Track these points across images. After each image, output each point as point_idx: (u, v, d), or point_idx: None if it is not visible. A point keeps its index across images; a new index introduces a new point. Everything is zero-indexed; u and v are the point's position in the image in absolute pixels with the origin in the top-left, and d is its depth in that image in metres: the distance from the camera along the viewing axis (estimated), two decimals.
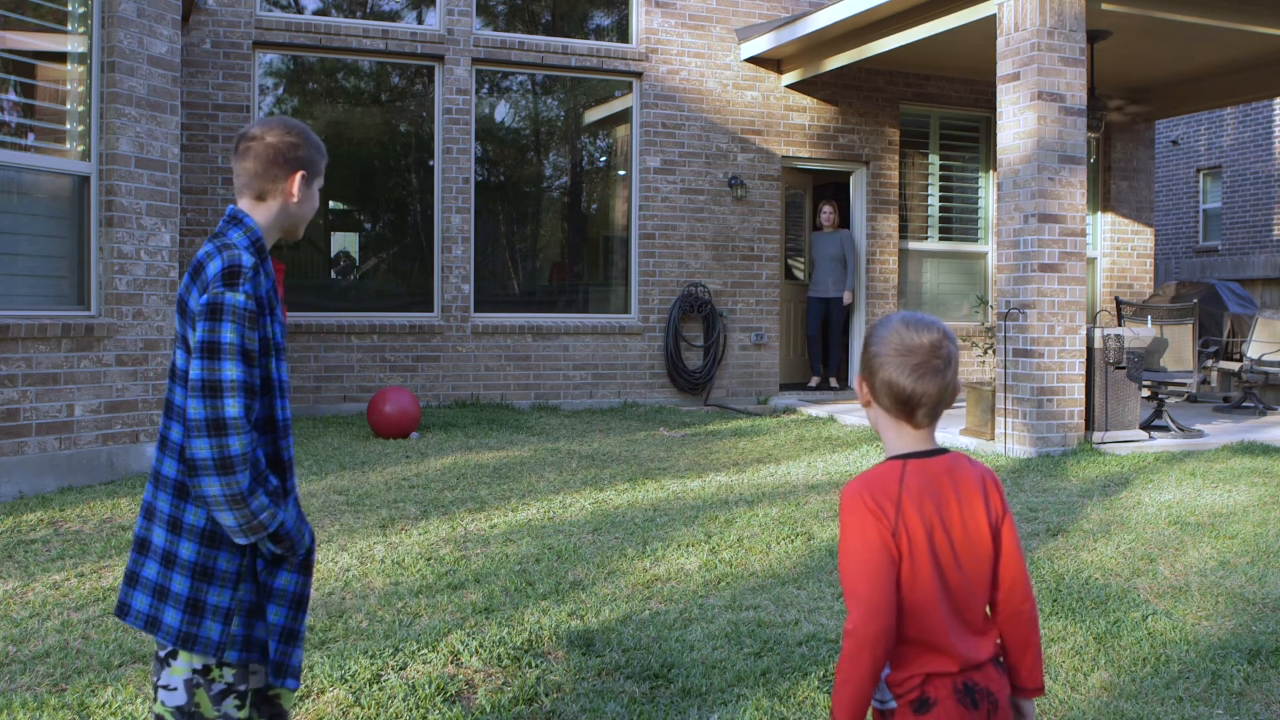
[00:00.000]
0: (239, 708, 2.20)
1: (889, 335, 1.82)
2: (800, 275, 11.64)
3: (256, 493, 2.12)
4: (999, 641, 1.87)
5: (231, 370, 2.09)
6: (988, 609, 1.86)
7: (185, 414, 2.09)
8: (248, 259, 2.16)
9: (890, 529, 1.72)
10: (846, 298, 10.86)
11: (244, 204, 2.28)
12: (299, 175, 2.27)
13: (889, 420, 1.84)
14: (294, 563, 2.24)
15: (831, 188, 12.51)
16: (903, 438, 1.83)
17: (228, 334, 2.09)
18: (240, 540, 2.15)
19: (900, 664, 1.78)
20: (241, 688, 2.19)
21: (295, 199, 2.27)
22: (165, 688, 2.19)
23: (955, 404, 9.83)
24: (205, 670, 2.17)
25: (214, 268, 2.13)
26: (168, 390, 2.22)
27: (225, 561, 2.17)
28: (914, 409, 1.80)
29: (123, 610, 2.21)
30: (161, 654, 2.20)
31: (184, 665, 2.17)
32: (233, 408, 2.08)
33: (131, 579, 2.21)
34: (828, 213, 11.08)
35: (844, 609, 3.79)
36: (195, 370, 2.08)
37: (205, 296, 2.11)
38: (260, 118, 2.11)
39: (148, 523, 2.21)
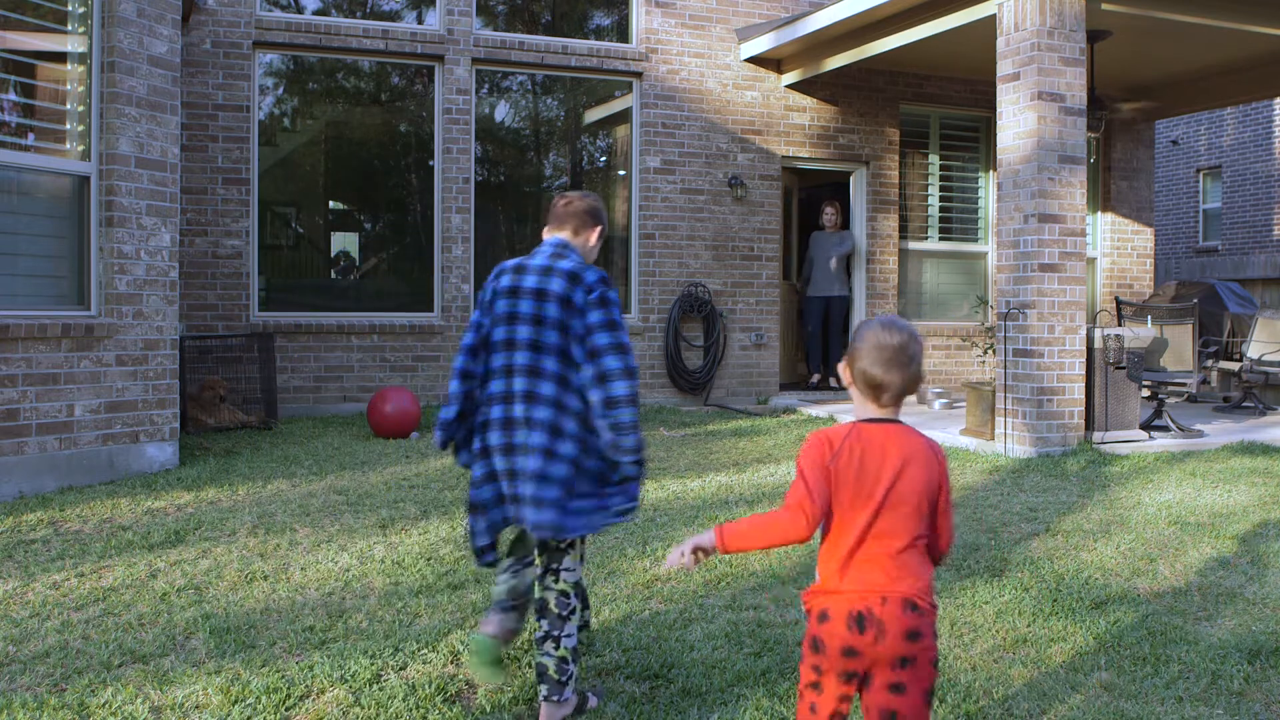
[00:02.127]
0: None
1: (868, 334, 2.34)
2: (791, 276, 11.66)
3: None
4: (928, 585, 2.29)
5: (626, 336, 3.10)
6: (925, 556, 2.33)
7: (605, 368, 3.03)
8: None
9: (830, 457, 2.29)
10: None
11: (563, 235, 3.30)
12: (599, 229, 3.36)
13: (860, 398, 2.37)
14: (635, 468, 3.11)
15: (831, 188, 12.53)
16: (865, 410, 2.37)
17: (617, 314, 3.10)
18: (632, 455, 3.06)
19: (817, 586, 2.33)
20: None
21: (593, 244, 3.35)
22: (567, 570, 3.13)
23: (956, 404, 9.81)
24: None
25: (591, 275, 3.13)
26: (530, 360, 3.09)
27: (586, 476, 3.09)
28: (881, 392, 2.33)
29: (540, 529, 3.02)
30: (563, 545, 3.12)
31: (576, 550, 3.15)
32: (633, 360, 3.08)
33: (539, 503, 3.02)
34: (830, 213, 11.13)
35: None
36: (606, 338, 3.05)
37: (595, 293, 3.09)
38: (581, 192, 3.46)
39: (521, 445, 3.07)
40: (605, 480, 3.10)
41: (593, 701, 3.15)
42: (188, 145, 8.95)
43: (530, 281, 3.16)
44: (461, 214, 9.78)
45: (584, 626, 3.40)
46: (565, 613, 3.09)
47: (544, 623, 3.09)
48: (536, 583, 3.17)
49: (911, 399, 10.27)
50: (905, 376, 2.31)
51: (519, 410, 3.08)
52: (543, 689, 3.05)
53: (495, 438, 3.12)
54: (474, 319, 3.25)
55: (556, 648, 3.06)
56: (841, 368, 2.40)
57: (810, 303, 11.08)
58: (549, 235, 3.32)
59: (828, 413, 9.65)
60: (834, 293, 10.98)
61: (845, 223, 11.44)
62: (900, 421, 2.37)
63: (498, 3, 10.36)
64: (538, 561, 3.18)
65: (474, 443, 3.20)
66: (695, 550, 2.34)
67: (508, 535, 3.33)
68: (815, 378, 11.14)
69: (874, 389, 2.32)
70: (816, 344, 11.12)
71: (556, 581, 3.12)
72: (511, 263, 3.26)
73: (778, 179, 10.87)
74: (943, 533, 2.38)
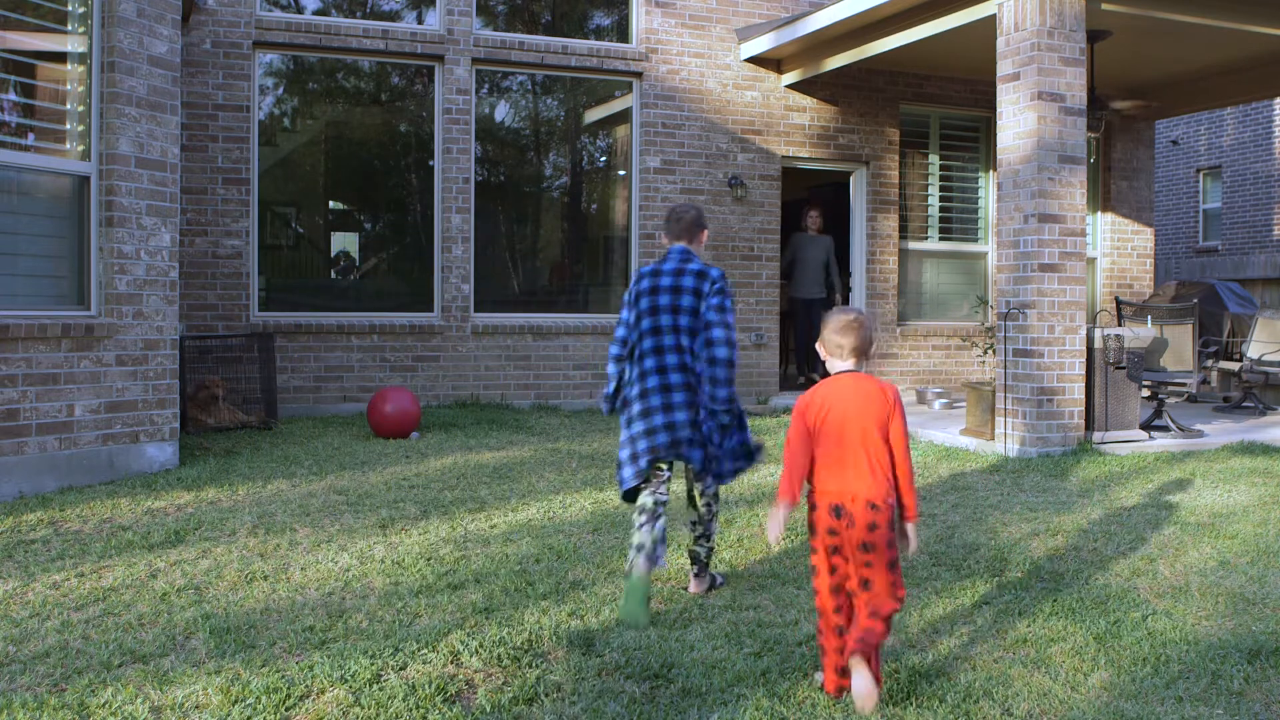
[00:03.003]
0: None
1: (831, 317, 3.41)
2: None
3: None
4: (886, 489, 3.22)
5: (733, 319, 4.18)
6: (888, 467, 3.26)
7: (712, 336, 4.10)
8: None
9: (802, 410, 3.32)
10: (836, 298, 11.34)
11: (682, 243, 4.34)
12: (705, 231, 4.45)
13: (830, 358, 3.39)
14: (727, 416, 4.20)
15: (830, 188, 12.55)
16: (834, 366, 3.37)
17: (729, 303, 4.17)
18: (723, 405, 4.14)
19: (812, 488, 3.32)
20: None
21: (703, 244, 4.46)
22: (709, 487, 4.25)
23: (956, 404, 9.82)
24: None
25: (715, 272, 4.20)
26: (674, 340, 4.16)
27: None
28: (841, 350, 3.35)
29: (690, 459, 4.14)
30: (698, 470, 4.19)
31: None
32: (734, 335, 4.17)
33: (693, 444, 4.13)
34: (814, 217, 11.41)
35: None
36: (716, 316, 4.12)
37: (716, 285, 4.16)
38: (685, 205, 4.61)
39: (679, 404, 4.13)
40: (728, 428, 4.22)
41: (720, 580, 4.38)
42: (188, 145, 8.95)
43: (667, 280, 4.22)
44: (461, 214, 9.78)
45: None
46: (711, 516, 4.29)
47: (699, 525, 4.28)
48: (693, 499, 4.31)
49: (911, 398, 10.29)
50: (855, 340, 3.34)
51: (672, 378, 4.15)
52: (694, 569, 4.32)
53: (655, 400, 4.15)
54: (622, 316, 4.32)
55: (707, 540, 4.28)
56: (818, 345, 3.41)
57: (798, 304, 11.29)
58: (672, 244, 4.38)
59: None
60: (818, 295, 11.29)
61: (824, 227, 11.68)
62: (859, 371, 3.38)
63: (498, 3, 10.36)
64: (696, 491, 4.29)
65: (633, 406, 4.20)
66: (783, 521, 3.33)
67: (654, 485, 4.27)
68: (804, 379, 11.24)
69: (836, 348, 3.37)
70: (803, 343, 11.42)
71: (701, 496, 4.27)
72: (648, 268, 4.32)
73: (778, 179, 10.87)
74: (898, 452, 3.29)
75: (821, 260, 11.26)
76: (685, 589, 4.31)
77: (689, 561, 4.44)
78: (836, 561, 3.29)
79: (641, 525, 4.12)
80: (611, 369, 4.33)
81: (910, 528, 3.30)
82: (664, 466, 4.21)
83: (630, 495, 4.24)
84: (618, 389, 4.32)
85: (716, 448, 4.18)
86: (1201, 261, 16.37)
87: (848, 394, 3.28)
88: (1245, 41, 9.54)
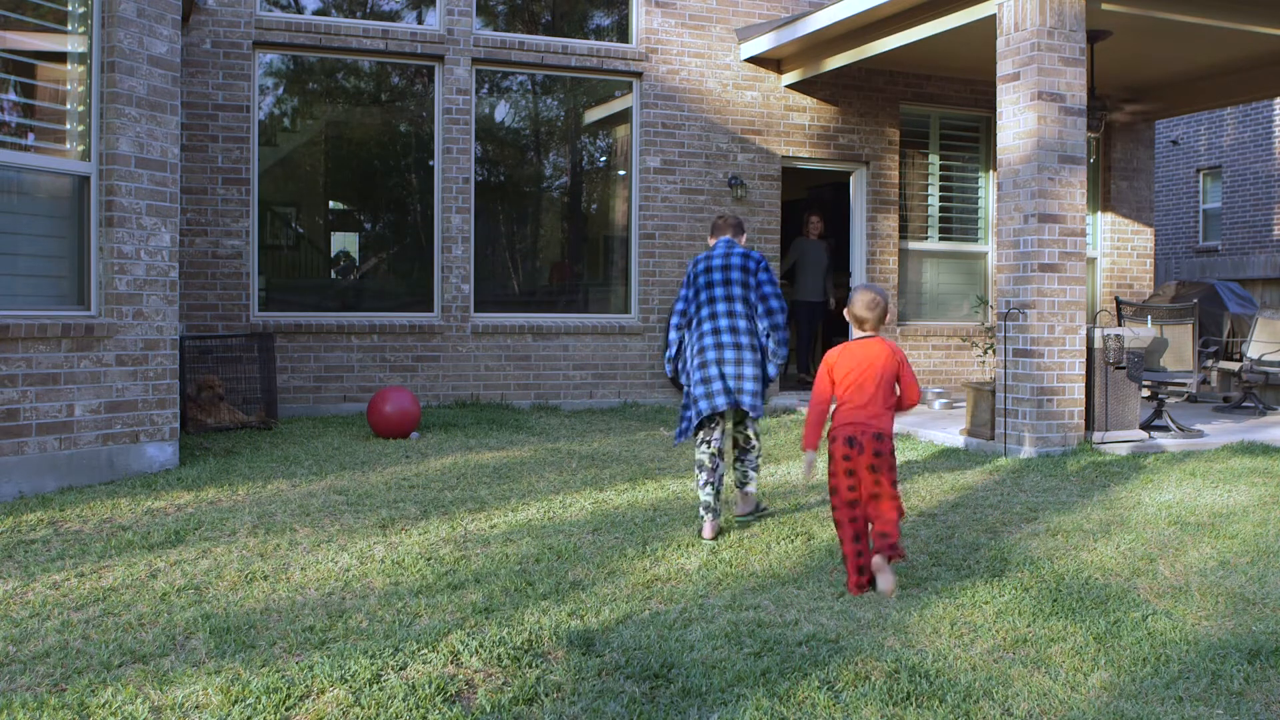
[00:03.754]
0: None
1: (857, 294, 4.42)
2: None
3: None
4: (890, 425, 4.28)
5: (779, 288, 5.32)
6: (891, 408, 4.33)
7: (771, 306, 5.21)
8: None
9: (831, 365, 4.37)
10: (833, 303, 11.62)
11: (727, 235, 5.40)
12: (745, 233, 5.64)
13: (854, 327, 4.44)
14: (776, 369, 5.33)
15: (830, 188, 12.55)
16: (856, 333, 4.43)
17: (774, 275, 5.30)
18: (782, 359, 5.30)
19: (832, 422, 4.33)
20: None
21: (745, 240, 5.53)
22: (752, 426, 5.34)
23: (956, 404, 9.83)
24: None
25: (757, 254, 5.27)
26: (728, 308, 5.17)
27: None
28: (863, 323, 4.42)
29: (741, 404, 5.13)
30: (754, 415, 5.21)
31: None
32: (784, 302, 5.31)
33: (739, 391, 5.11)
34: (814, 222, 11.62)
35: (843, 609, 4.03)
36: (770, 288, 5.24)
37: (761, 263, 5.25)
38: (730, 213, 6.23)
39: (730, 360, 5.13)
40: (766, 380, 5.28)
41: (764, 509, 5.53)
42: (188, 145, 8.95)
43: (719, 262, 5.27)
44: (461, 214, 9.78)
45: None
46: (756, 444, 5.44)
47: (749, 453, 5.41)
48: (744, 433, 5.40)
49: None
50: (876, 315, 4.41)
51: (726, 339, 5.14)
52: (743, 488, 5.41)
53: (711, 355, 5.14)
54: (682, 293, 5.34)
55: (754, 465, 5.43)
56: (846, 312, 4.49)
57: (800, 307, 11.46)
58: (716, 239, 5.42)
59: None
60: (818, 299, 11.53)
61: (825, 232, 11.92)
62: (873, 336, 4.42)
63: (498, 3, 10.36)
64: (741, 430, 5.41)
65: (693, 367, 5.19)
66: (812, 467, 4.46)
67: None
68: (808, 378, 11.30)
69: (860, 322, 4.43)
70: (808, 345, 11.52)
71: (748, 429, 5.39)
72: (701, 256, 5.35)
73: (778, 179, 10.87)
74: (907, 390, 4.40)
75: (823, 264, 11.48)
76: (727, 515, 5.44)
77: (736, 485, 5.47)
78: (851, 482, 4.26)
79: (705, 484, 5.14)
80: (673, 336, 5.34)
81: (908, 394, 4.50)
82: (719, 418, 5.22)
83: (697, 429, 5.24)
84: (678, 353, 5.34)
85: (764, 391, 5.26)
86: (1201, 261, 16.37)
87: (867, 353, 4.37)
88: (1245, 41, 9.54)
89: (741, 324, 5.15)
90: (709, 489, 5.08)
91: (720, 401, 5.09)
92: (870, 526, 4.24)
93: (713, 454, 5.17)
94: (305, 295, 9.74)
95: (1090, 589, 4.26)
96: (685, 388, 5.28)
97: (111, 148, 6.27)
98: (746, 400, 5.12)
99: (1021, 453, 7.41)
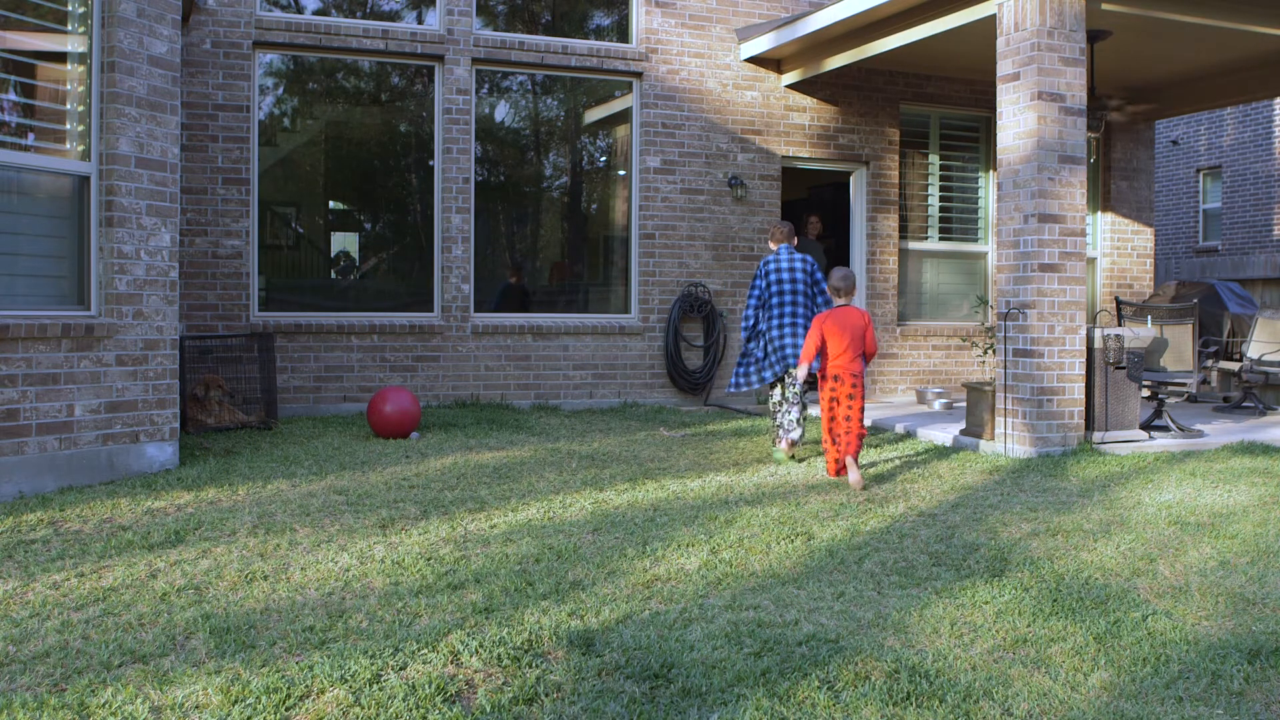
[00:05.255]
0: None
1: (834, 274, 6.70)
2: None
3: None
4: (860, 367, 6.50)
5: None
6: (861, 355, 6.51)
7: (828, 298, 7.23)
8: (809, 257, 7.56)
9: (822, 325, 6.51)
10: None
11: (786, 244, 7.45)
12: (796, 237, 7.77)
13: (835, 298, 6.70)
14: None
15: (830, 188, 12.54)
16: (837, 302, 6.65)
17: (820, 276, 7.48)
18: None
19: (822, 364, 6.59)
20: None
21: (796, 243, 7.65)
22: (792, 382, 7.34)
23: (956, 404, 9.81)
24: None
25: (811, 260, 7.40)
26: (792, 299, 7.28)
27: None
28: (840, 294, 6.65)
29: (793, 367, 7.20)
30: (795, 371, 7.08)
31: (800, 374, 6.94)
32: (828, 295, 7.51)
33: (786, 360, 7.24)
34: (814, 223, 11.70)
35: (843, 609, 4.03)
36: (822, 283, 7.35)
37: (817, 266, 7.47)
38: (781, 221, 7.72)
39: (790, 333, 7.29)
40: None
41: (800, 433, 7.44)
42: (188, 145, 8.95)
43: (785, 263, 7.36)
44: (461, 214, 9.78)
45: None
46: (801, 390, 7.33)
47: (790, 396, 7.37)
48: (788, 390, 7.38)
49: (911, 398, 10.28)
50: (846, 285, 6.54)
51: (787, 323, 7.25)
52: (798, 428, 7.36)
53: (784, 334, 7.26)
54: (756, 283, 7.42)
55: (802, 407, 7.38)
56: (828, 285, 6.67)
57: None
58: (778, 245, 7.47)
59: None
60: None
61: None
62: (850, 305, 6.51)
63: (498, 3, 10.36)
64: (787, 383, 7.39)
65: (768, 338, 7.32)
66: (805, 373, 6.64)
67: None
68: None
69: (837, 292, 6.57)
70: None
71: (789, 378, 7.31)
72: (771, 258, 7.40)
73: (778, 179, 10.88)
74: (869, 345, 6.50)
75: (820, 264, 11.47)
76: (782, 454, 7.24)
77: (796, 424, 7.41)
78: (835, 409, 6.50)
79: (788, 409, 7.39)
80: (749, 313, 7.49)
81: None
82: (787, 375, 7.33)
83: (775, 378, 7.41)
84: (754, 325, 7.46)
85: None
86: (1201, 261, 16.37)
87: (848, 319, 6.50)
88: (1245, 41, 9.55)
89: (800, 311, 7.27)
90: (787, 413, 7.36)
91: (791, 363, 7.21)
92: (844, 436, 6.44)
93: (797, 393, 7.36)
94: (305, 295, 9.74)
95: (1090, 589, 4.26)
96: (748, 349, 7.49)
97: (111, 148, 6.27)
98: (793, 363, 7.28)
99: (1021, 453, 7.41)
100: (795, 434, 7.29)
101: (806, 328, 7.13)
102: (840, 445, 6.41)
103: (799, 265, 7.32)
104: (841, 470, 6.43)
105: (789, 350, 7.18)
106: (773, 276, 7.33)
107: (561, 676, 3.32)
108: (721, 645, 3.59)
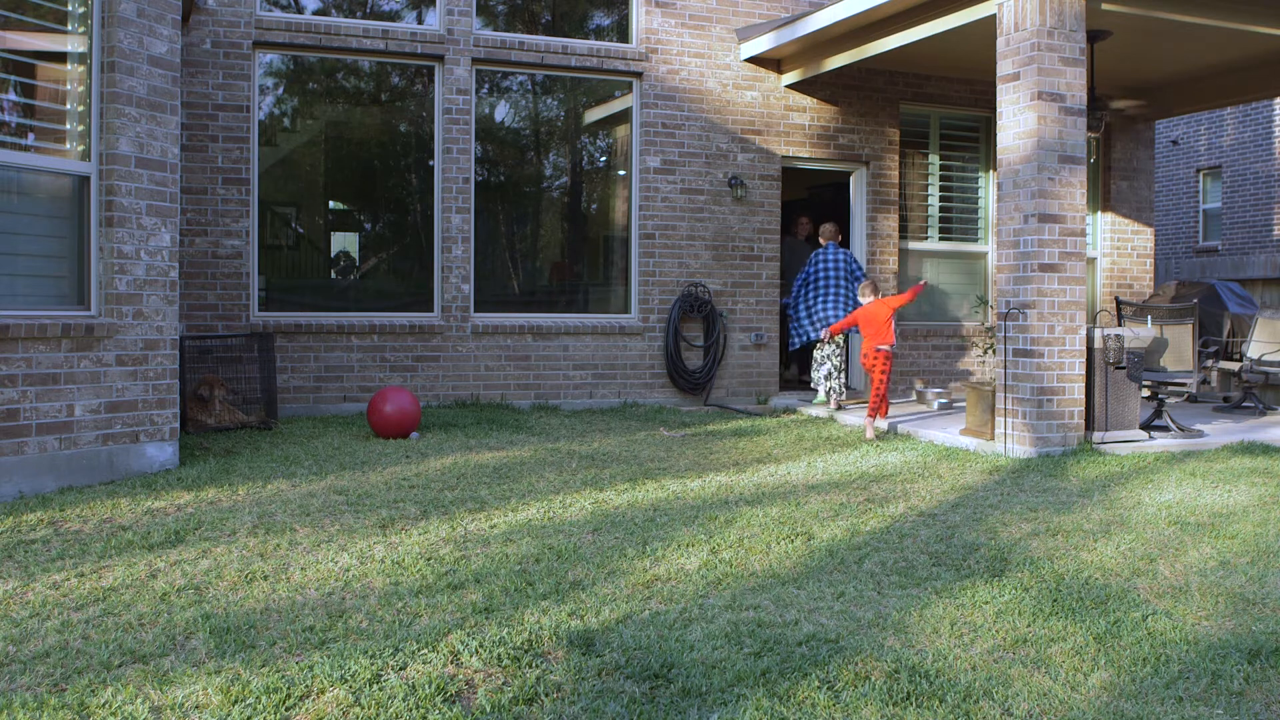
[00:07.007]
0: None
1: (859, 285, 9.23)
2: None
3: None
4: (891, 343, 8.59)
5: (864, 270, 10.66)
6: (890, 334, 8.63)
7: (861, 283, 9.19)
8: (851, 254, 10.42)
9: (858, 317, 8.78)
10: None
11: (831, 241, 10.19)
12: (840, 235, 10.41)
13: (862, 295, 8.94)
14: None
15: (830, 188, 12.54)
16: (866, 299, 8.81)
17: (856, 267, 10.27)
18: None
19: (863, 344, 8.80)
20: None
21: (840, 241, 10.46)
22: (823, 345, 10.00)
23: (956, 404, 9.80)
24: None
25: (851, 255, 10.20)
26: (835, 285, 10.00)
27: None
28: (867, 293, 8.84)
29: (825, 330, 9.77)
30: (824, 333, 9.47)
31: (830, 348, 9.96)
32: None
33: (825, 325, 9.95)
34: (804, 224, 11.75)
35: (843, 609, 4.03)
36: (862, 276, 10.18)
37: (854, 258, 10.24)
38: (829, 223, 10.36)
39: (831, 306, 10.06)
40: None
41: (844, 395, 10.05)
42: (188, 145, 8.95)
43: (830, 258, 10.00)
44: (461, 214, 9.78)
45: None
46: (840, 362, 9.87)
47: (819, 359, 9.95)
48: (822, 349, 9.88)
49: (911, 398, 10.30)
50: (870, 291, 8.81)
51: (832, 298, 9.88)
52: (847, 392, 10.14)
53: (820, 309, 9.89)
54: (807, 270, 10.09)
55: (843, 375, 9.94)
56: (870, 288, 8.87)
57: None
58: (826, 241, 10.07)
59: (828, 412, 9.65)
60: None
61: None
62: (877, 298, 8.74)
63: (498, 3, 10.36)
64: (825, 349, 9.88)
65: (815, 309, 9.94)
66: (828, 335, 9.38)
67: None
68: (805, 378, 11.31)
69: (866, 292, 8.82)
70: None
71: (824, 350, 9.85)
72: (820, 252, 10.06)
73: (778, 179, 10.88)
74: (888, 336, 8.56)
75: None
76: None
77: (841, 388, 9.86)
78: (871, 369, 8.54)
79: (828, 373, 9.79)
80: (796, 289, 10.08)
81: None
82: (825, 338, 9.44)
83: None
84: (796, 296, 10.04)
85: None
86: (1201, 261, 16.37)
87: (874, 312, 8.54)
88: (1245, 41, 9.55)
89: (837, 291, 9.87)
90: (839, 378, 9.79)
91: (824, 326, 9.65)
92: (873, 398, 8.51)
93: (826, 354, 9.77)
94: (305, 295, 9.74)
95: (1090, 589, 4.26)
96: (797, 316, 10.05)
97: (111, 148, 6.27)
98: (824, 326, 9.75)
99: (1021, 453, 7.41)
100: (835, 387, 9.78)
101: (840, 303, 9.80)
102: (871, 404, 8.55)
103: (840, 259, 9.96)
104: (874, 414, 8.55)
105: (829, 315, 9.78)
106: (820, 266, 9.93)
107: (561, 676, 3.32)
108: (721, 645, 3.59)
